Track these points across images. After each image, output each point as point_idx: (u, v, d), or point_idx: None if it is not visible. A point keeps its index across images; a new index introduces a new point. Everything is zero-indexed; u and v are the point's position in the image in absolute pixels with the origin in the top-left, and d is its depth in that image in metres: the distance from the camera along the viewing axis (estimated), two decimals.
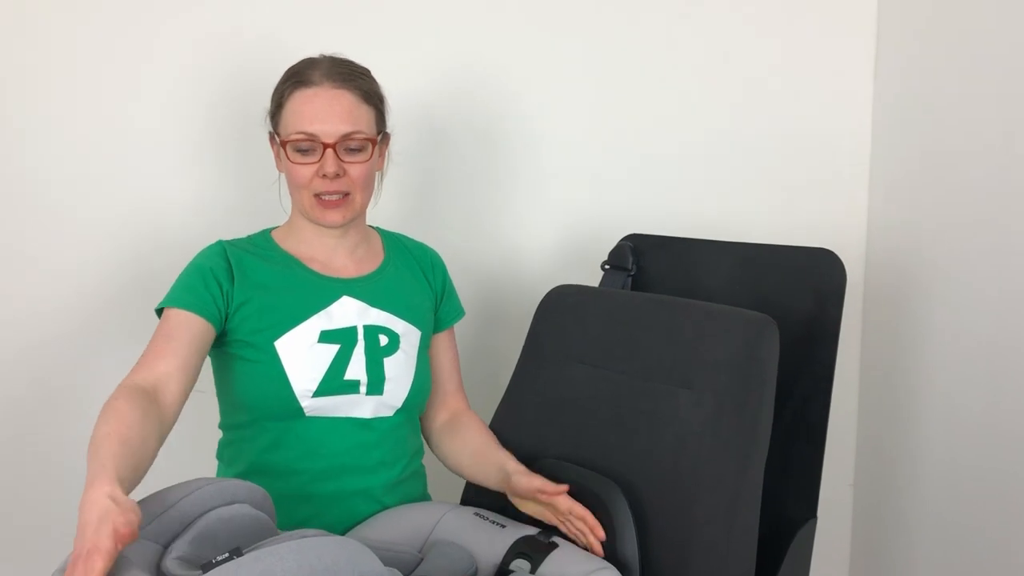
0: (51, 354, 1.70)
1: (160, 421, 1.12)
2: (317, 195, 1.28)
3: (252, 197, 1.69)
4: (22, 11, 1.63)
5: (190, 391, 1.21)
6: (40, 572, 1.50)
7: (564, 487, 1.20)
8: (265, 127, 1.36)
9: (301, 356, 1.27)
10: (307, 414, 1.28)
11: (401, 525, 1.28)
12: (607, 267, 1.58)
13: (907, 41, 1.75)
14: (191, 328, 1.22)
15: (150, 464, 1.06)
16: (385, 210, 1.49)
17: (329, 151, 1.26)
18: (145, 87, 1.68)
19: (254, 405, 1.28)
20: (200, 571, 0.84)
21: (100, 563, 0.84)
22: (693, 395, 1.19)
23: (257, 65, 1.63)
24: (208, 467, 1.38)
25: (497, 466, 1.31)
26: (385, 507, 1.33)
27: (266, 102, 1.36)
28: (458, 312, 1.49)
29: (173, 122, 1.70)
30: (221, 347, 1.29)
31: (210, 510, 1.00)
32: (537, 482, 1.22)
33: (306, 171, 1.27)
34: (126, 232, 1.70)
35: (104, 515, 0.88)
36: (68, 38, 1.65)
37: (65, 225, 1.68)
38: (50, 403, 1.71)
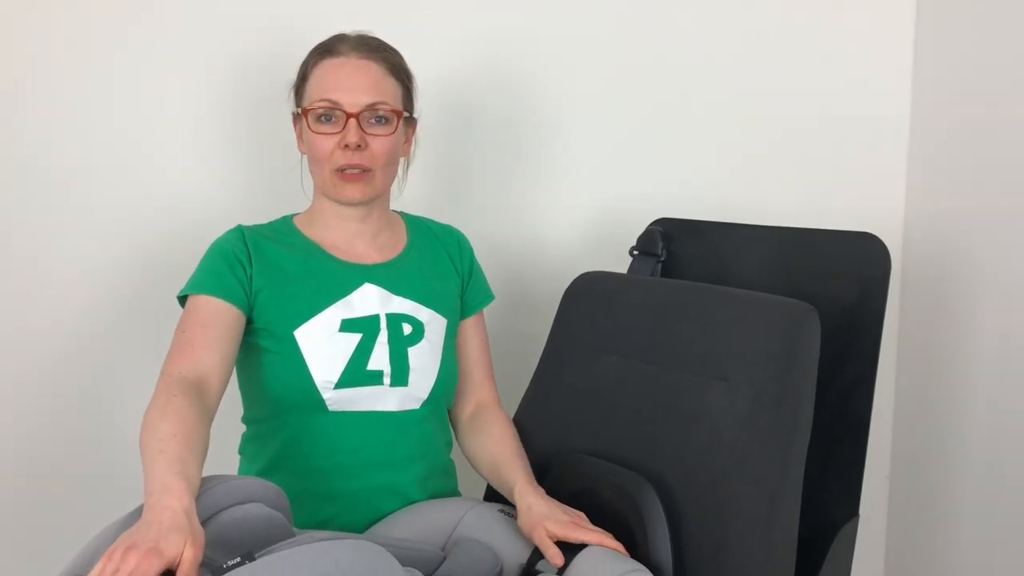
0: (67, 347, 1.68)
1: (209, 418, 1.10)
2: (339, 169, 1.24)
3: (271, 185, 1.65)
4: (32, 2, 1.59)
5: (228, 384, 1.18)
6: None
7: (561, 561, 1.10)
8: (288, 107, 1.32)
9: (321, 346, 1.23)
10: (330, 408, 1.23)
11: (424, 522, 1.23)
12: (636, 253, 1.53)
13: (947, 25, 1.71)
14: (226, 317, 1.19)
15: (204, 464, 1.03)
16: (410, 194, 1.45)
17: (352, 121, 1.22)
18: (160, 77, 1.65)
19: (274, 397, 1.24)
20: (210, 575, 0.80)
21: (157, 565, 0.83)
22: (729, 388, 1.13)
23: (274, 52, 1.60)
24: (230, 463, 1.34)
25: (507, 488, 1.24)
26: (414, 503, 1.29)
27: (284, 91, 1.33)
28: (486, 296, 1.44)
29: (187, 111, 1.67)
30: (243, 337, 1.24)
31: (223, 510, 0.96)
32: (549, 549, 1.11)
33: (327, 142, 1.23)
34: (141, 222, 1.67)
35: (179, 527, 0.87)
36: (80, 29, 1.62)
37: (79, 215, 1.66)
38: (69, 395, 1.69)
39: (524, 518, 1.16)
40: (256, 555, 0.82)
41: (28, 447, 1.68)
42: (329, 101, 1.22)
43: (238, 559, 0.82)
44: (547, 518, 1.13)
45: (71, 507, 1.67)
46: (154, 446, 0.98)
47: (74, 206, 1.65)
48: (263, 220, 1.36)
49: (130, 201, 1.66)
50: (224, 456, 1.35)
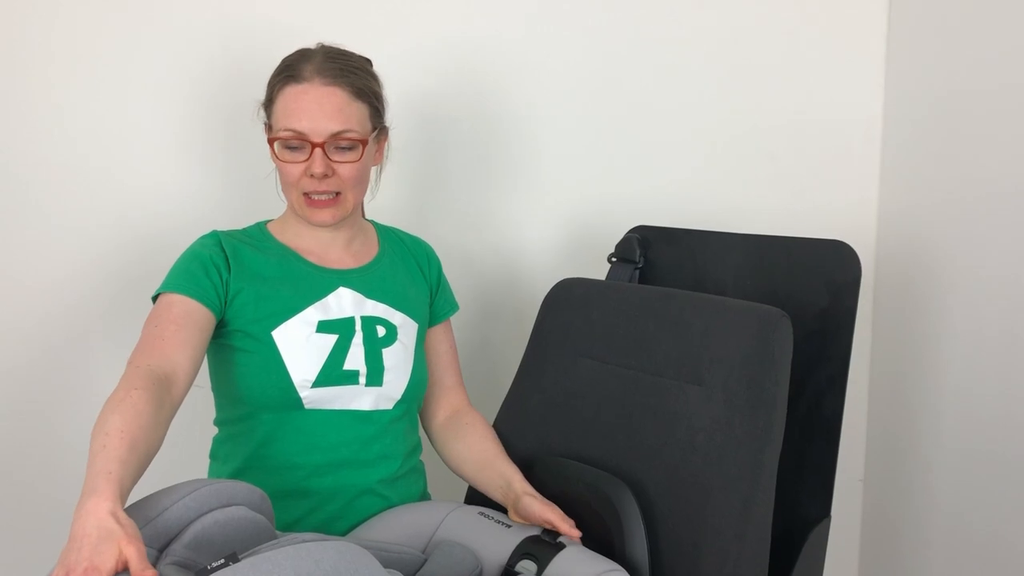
0: (43, 350, 1.68)
1: (169, 415, 1.09)
2: (306, 194, 1.25)
3: (246, 190, 1.66)
4: (10, 5, 1.60)
5: (192, 383, 1.18)
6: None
7: (577, 532, 1.16)
8: (259, 118, 1.33)
9: (300, 346, 1.24)
10: (306, 406, 1.25)
11: (404, 525, 1.25)
12: (614, 260, 1.55)
13: (918, 31, 1.73)
14: (198, 318, 1.20)
15: (149, 464, 1.02)
16: (383, 204, 1.47)
17: (318, 151, 1.22)
18: (136, 80, 1.65)
19: (252, 397, 1.25)
20: None
21: None
22: (704, 391, 1.16)
23: (252, 55, 1.61)
24: (199, 466, 1.36)
25: (503, 480, 1.28)
26: (386, 502, 1.31)
27: (260, 94, 1.33)
28: (453, 306, 1.47)
29: (165, 116, 1.67)
30: (218, 338, 1.26)
31: (206, 513, 0.97)
32: (551, 515, 1.18)
33: (295, 169, 1.24)
34: (118, 226, 1.68)
35: (108, 534, 0.85)
36: (60, 34, 1.62)
37: (56, 219, 1.66)
38: (45, 399, 1.69)
39: (534, 505, 1.20)
40: (240, 556, 0.83)
41: (3, 448, 1.68)
42: (294, 132, 1.22)
43: (222, 560, 0.83)
44: (551, 506, 1.20)
45: (46, 509, 1.67)
46: (99, 439, 0.97)
47: (50, 210, 1.65)
48: (240, 225, 1.37)
49: (106, 205, 1.67)
50: (193, 459, 1.37)
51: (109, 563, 0.83)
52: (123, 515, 0.88)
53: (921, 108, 1.71)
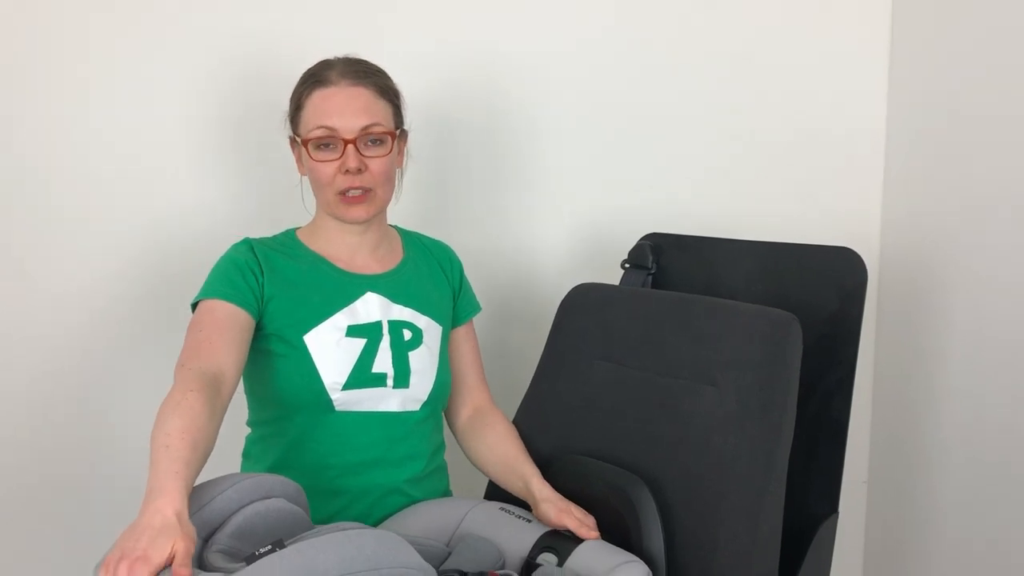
0: (67, 357, 1.72)
1: (221, 415, 1.15)
2: (341, 192, 1.31)
3: (270, 198, 1.71)
4: (34, 15, 1.64)
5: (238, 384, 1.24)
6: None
7: (595, 533, 1.21)
8: (284, 131, 1.38)
9: (330, 350, 1.30)
10: (336, 408, 1.30)
11: (429, 519, 1.30)
12: (627, 266, 1.60)
13: (921, 36, 1.77)
14: (239, 321, 1.25)
15: (206, 461, 1.08)
16: (402, 210, 1.51)
17: (350, 147, 1.28)
18: (158, 89, 1.69)
19: (285, 399, 1.30)
20: (244, 563, 0.86)
21: (145, 572, 0.88)
22: (717, 393, 1.21)
23: (270, 65, 1.66)
24: (231, 465, 1.39)
25: (523, 482, 1.32)
26: (411, 500, 1.36)
27: (278, 103, 1.38)
28: (475, 307, 1.52)
29: (188, 124, 1.71)
30: (253, 342, 1.31)
31: (247, 504, 1.02)
32: (568, 521, 1.22)
33: (328, 168, 1.30)
34: (141, 234, 1.72)
35: (168, 529, 0.92)
36: (81, 38, 1.67)
37: (79, 227, 1.70)
38: (72, 404, 1.73)
39: (551, 511, 1.24)
40: (286, 543, 0.89)
41: (30, 455, 1.72)
42: (326, 128, 1.29)
43: (269, 547, 0.88)
44: (567, 511, 1.24)
45: (71, 514, 1.73)
46: (161, 440, 1.03)
47: (73, 218, 1.69)
48: (262, 232, 1.42)
49: (129, 213, 1.71)
50: (225, 459, 1.42)
51: (161, 556, 0.90)
52: (186, 517, 0.95)
53: (923, 117, 1.75)
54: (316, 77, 1.32)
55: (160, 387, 1.16)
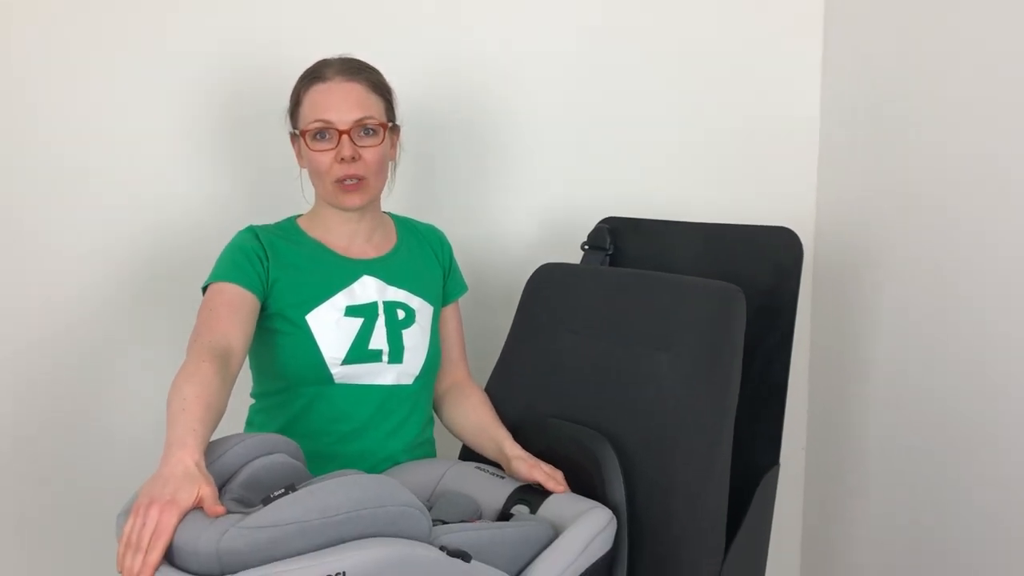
0: (73, 356, 1.78)
1: (230, 385, 1.24)
2: (338, 180, 1.40)
3: (269, 199, 1.77)
4: (33, 12, 1.70)
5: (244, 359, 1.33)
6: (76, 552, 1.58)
7: (563, 486, 1.32)
8: (285, 128, 1.48)
9: (330, 328, 1.40)
10: (336, 381, 1.41)
11: (410, 478, 1.41)
12: (587, 247, 1.71)
13: (854, 21, 1.83)
14: (246, 301, 1.35)
15: (217, 426, 1.17)
16: (388, 199, 1.59)
17: (344, 137, 1.38)
18: (158, 89, 1.76)
19: (288, 373, 1.41)
20: (261, 504, 0.97)
21: (176, 516, 0.97)
22: (671, 356, 1.33)
23: (270, 65, 1.74)
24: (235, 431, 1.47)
25: (496, 444, 1.44)
26: None
27: (271, 100, 1.48)
28: (462, 287, 1.63)
29: (180, 123, 1.78)
30: (259, 321, 1.40)
31: (254, 459, 1.13)
32: (538, 475, 1.33)
33: (325, 158, 1.40)
34: (141, 234, 1.79)
35: (191, 476, 1.01)
36: (82, 36, 1.72)
37: (76, 219, 1.76)
38: (67, 393, 1.80)
39: (522, 467, 1.35)
40: (297, 486, 0.99)
41: (31, 456, 1.78)
42: (322, 121, 1.39)
43: (282, 490, 0.98)
44: (536, 466, 1.35)
45: (70, 509, 1.79)
46: (177, 404, 1.12)
47: (73, 213, 1.75)
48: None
49: (130, 213, 1.78)
50: (230, 429, 1.51)
51: (189, 500, 0.99)
52: (204, 467, 1.05)
53: (854, 108, 1.85)
54: (313, 74, 1.42)
55: (160, 388, 1.23)
